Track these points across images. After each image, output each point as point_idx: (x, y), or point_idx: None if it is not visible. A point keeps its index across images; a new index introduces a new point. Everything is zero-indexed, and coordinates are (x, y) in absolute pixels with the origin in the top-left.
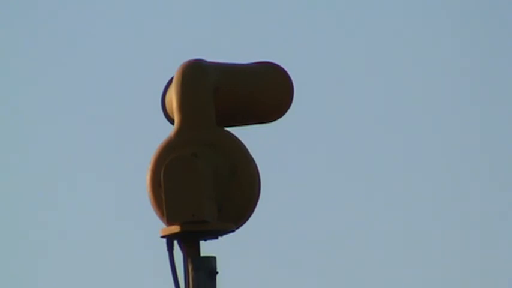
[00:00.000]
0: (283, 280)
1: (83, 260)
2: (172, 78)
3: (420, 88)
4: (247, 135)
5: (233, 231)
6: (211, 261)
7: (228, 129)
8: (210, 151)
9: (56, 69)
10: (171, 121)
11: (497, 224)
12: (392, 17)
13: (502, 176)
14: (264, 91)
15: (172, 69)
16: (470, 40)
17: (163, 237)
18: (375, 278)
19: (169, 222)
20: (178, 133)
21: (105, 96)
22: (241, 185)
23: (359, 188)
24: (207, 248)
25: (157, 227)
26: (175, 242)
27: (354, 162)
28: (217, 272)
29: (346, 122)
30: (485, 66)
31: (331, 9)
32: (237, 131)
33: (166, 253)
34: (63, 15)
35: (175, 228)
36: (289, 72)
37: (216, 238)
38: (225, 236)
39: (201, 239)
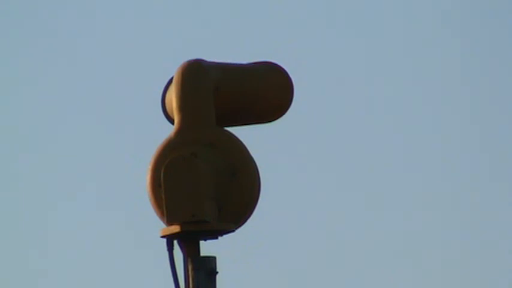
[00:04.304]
0: (283, 280)
1: (83, 260)
2: (172, 78)
3: (420, 88)
4: (247, 135)
5: (233, 231)
6: (211, 261)
7: (228, 129)
8: (210, 151)
9: (56, 70)
10: (171, 121)
11: (497, 224)
12: (392, 17)
13: (502, 176)
14: (264, 91)
15: (172, 69)
16: (470, 40)
17: (163, 237)
18: (375, 277)
19: (169, 222)
20: (178, 133)
21: (105, 96)
22: (241, 185)
23: (359, 188)
24: (207, 248)
25: (157, 227)
26: (175, 242)
27: (354, 162)
28: (217, 272)
29: (346, 121)
30: (485, 66)
31: (331, 9)
32: (237, 131)
33: (166, 253)
34: (63, 15)
35: (175, 228)
36: (289, 72)
37: (216, 238)
38: (225, 236)
39: (201, 239)
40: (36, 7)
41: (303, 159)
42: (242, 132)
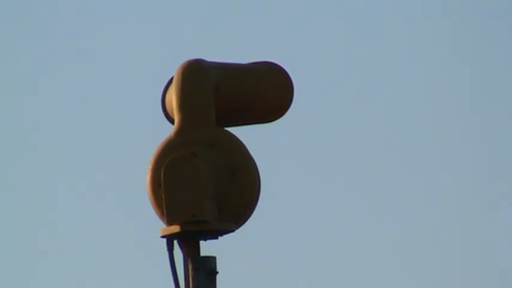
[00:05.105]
0: (283, 280)
1: (83, 260)
2: (172, 78)
3: (420, 88)
4: (247, 135)
5: (233, 231)
6: (211, 261)
7: (228, 129)
8: (210, 151)
9: (56, 70)
10: (171, 121)
11: (497, 224)
12: (392, 17)
13: (502, 176)
14: (264, 91)
15: (172, 69)
16: (470, 40)
17: (163, 237)
18: (375, 277)
19: (169, 222)
20: (178, 133)
21: (106, 96)
22: (241, 185)
23: (359, 188)
24: (207, 248)
25: (157, 227)
26: (175, 242)
27: (354, 162)
28: (217, 272)
29: (345, 122)
30: (485, 67)
31: (331, 9)
32: (237, 131)
33: (166, 253)
34: (63, 15)
35: (175, 228)
36: (289, 72)
37: (216, 238)
38: (225, 236)
39: (201, 239)
40: (36, 7)
41: (303, 159)
42: (242, 132)
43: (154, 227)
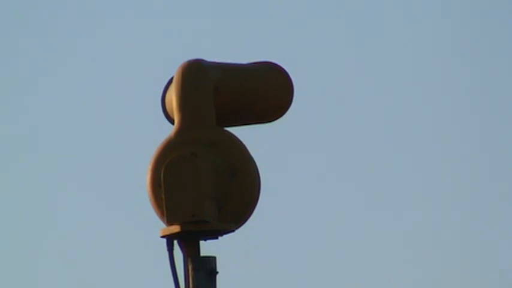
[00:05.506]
0: (283, 280)
1: (83, 260)
2: (172, 78)
3: (420, 88)
4: (247, 135)
5: (233, 231)
6: (211, 261)
7: (228, 129)
8: (210, 151)
9: (56, 70)
10: (171, 121)
11: (498, 224)
12: (392, 17)
13: (502, 176)
14: (264, 91)
15: (172, 69)
16: (470, 40)
17: (163, 237)
18: (375, 277)
19: (169, 222)
20: (178, 133)
21: (106, 96)
22: (241, 185)
23: (359, 188)
24: (207, 248)
25: (157, 227)
26: (175, 242)
27: (354, 162)
28: (217, 272)
29: (345, 122)
30: (485, 67)
31: (331, 9)
32: (237, 131)
33: (166, 253)
34: (63, 15)
35: (175, 228)
36: (289, 72)
37: (216, 238)
38: (225, 236)
39: (201, 239)
40: (36, 7)
41: (303, 159)
42: (242, 132)
43: (154, 227)
